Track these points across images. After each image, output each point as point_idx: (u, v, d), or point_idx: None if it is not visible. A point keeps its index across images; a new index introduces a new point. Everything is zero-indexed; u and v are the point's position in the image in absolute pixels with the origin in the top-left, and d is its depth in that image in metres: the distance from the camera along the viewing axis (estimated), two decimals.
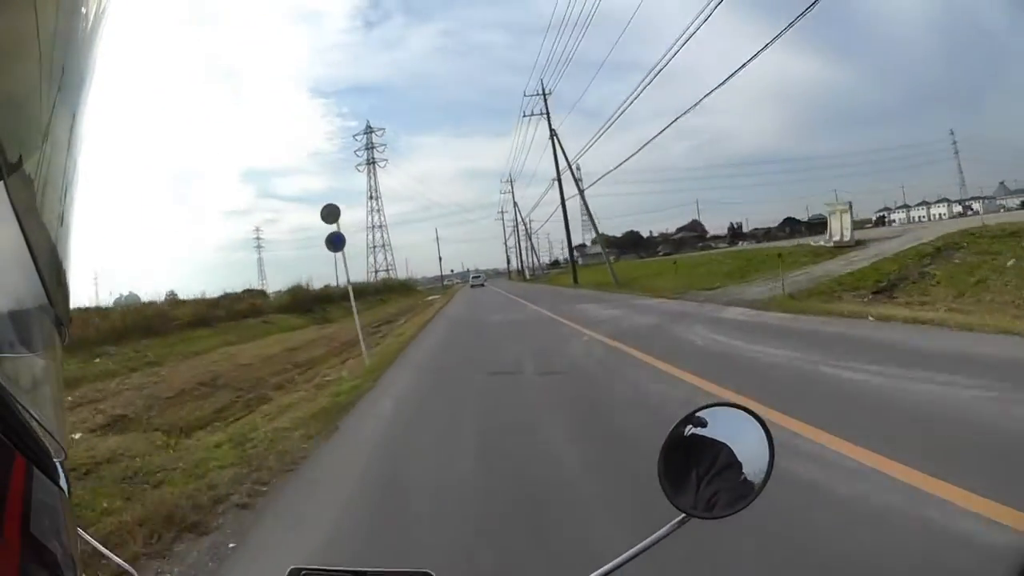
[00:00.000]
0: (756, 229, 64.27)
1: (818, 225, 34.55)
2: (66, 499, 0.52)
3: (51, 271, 0.50)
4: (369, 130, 76.89)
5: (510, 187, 67.36)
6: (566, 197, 38.00)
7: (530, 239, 71.40)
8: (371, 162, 77.39)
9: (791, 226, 59.03)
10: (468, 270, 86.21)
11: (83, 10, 0.54)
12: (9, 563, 0.40)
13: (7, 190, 0.42)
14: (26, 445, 0.44)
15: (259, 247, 79.46)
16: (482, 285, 56.84)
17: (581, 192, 35.59)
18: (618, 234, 74.96)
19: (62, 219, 0.55)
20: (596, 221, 42.83)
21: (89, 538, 0.72)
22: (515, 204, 68.63)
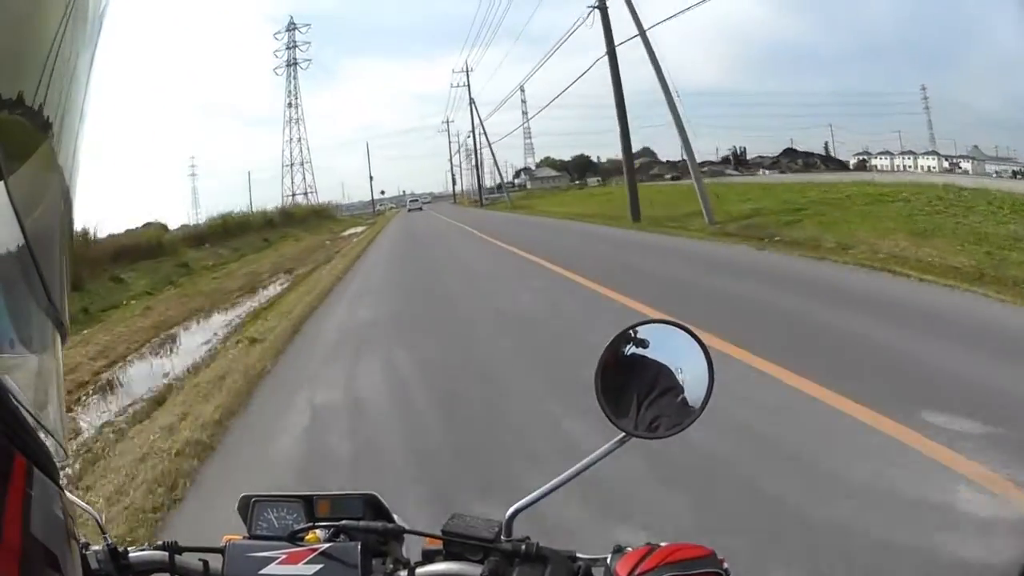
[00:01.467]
0: (761, 157, 57.11)
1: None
2: (67, 499, 0.52)
3: (51, 271, 0.50)
4: (292, 27, 61.44)
5: (465, 77, 48.17)
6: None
7: (490, 147, 49.13)
8: (292, 63, 61.70)
9: (793, 157, 54.03)
10: (404, 193, 74.36)
11: (84, 10, 0.54)
12: (9, 564, 0.40)
13: (7, 190, 0.42)
14: (26, 445, 0.44)
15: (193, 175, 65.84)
16: (420, 209, 49.72)
17: (526, 116, 34.21)
18: (566, 158, 68.34)
19: (63, 218, 0.55)
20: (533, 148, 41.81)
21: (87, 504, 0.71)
22: (472, 103, 47.45)
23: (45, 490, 0.47)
